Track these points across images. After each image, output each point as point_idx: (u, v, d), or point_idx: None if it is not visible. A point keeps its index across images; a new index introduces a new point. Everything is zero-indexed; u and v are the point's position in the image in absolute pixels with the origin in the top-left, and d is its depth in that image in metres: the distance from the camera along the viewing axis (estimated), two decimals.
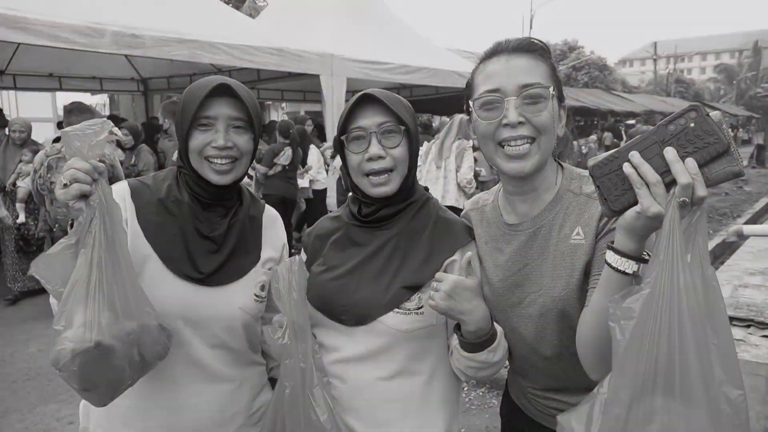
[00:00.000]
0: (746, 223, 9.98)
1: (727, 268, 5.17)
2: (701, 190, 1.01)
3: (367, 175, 1.51)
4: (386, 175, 1.51)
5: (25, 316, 5.95)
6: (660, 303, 1.01)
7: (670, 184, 1.03)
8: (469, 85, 1.48)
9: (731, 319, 3.80)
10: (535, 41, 1.42)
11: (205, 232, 1.56)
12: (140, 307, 1.35)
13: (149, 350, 1.36)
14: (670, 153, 1.03)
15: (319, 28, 8.84)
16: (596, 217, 1.36)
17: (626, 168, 1.06)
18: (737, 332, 3.65)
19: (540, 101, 1.35)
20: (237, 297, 1.58)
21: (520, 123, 1.34)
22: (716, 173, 1.04)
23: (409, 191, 1.59)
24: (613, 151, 1.11)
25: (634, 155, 1.06)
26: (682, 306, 1.00)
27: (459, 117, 6.32)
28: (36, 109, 20.87)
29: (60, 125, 10.01)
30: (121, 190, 1.56)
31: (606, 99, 26.03)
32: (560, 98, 1.42)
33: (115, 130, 1.39)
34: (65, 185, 1.27)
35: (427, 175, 6.19)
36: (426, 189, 1.69)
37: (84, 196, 1.28)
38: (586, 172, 1.48)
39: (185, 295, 1.52)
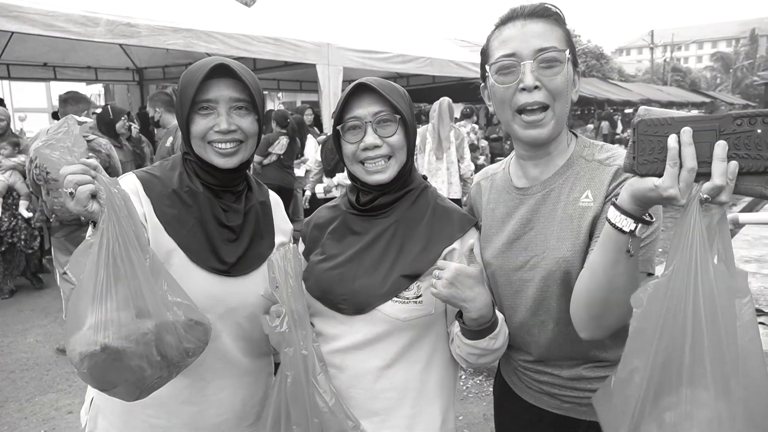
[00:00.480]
0: (742, 211, 10.01)
1: None
2: (726, 196, 0.99)
3: (362, 162, 1.52)
4: (383, 162, 1.51)
5: (22, 307, 5.96)
6: (674, 295, 1.02)
7: (701, 174, 1.00)
8: (485, 52, 1.49)
9: None
10: (550, 6, 1.43)
11: (223, 221, 1.53)
12: (159, 304, 1.27)
13: (173, 348, 1.28)
14: (720, 148, 0.99)
15: (316, 17, 8.78)
16: (607, 182, 1.38)
17: (671, 140, 1.02)
18: None
19: (555, 65, 1.37)
20: (259, 285, 1.55)
21: (536, 88, 1.35)
22: (746, 186, 1.01)
23: (407, 179, 1.59)
24: (669, 115, 1.05)
25: (686, 132, 1.01)
26: (698, 300, 1.00)
27: (446, 101, 6.20)
28: (30, 100, 20.72)
29: (55, 115, 9.93)
30: (130, 183, 1.51)
31: (603, 88, 25.96)
32: (575, 63, 1.44)
33: (80, 118, 1.35)
34: (71, 194, 1.21)
35: (428, 166, 6.10)
36: (424, 177, 1.69)
37: (93, 196, 1.23)
38: (600, 142, 1.51)
39: (212, 287, 1.49)
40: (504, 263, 1.51)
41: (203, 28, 6.23)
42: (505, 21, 1.45)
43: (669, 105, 30.36)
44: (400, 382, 1.51)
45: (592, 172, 1.42)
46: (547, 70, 1.36)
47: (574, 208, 1.41)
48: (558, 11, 1.43)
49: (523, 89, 1.36)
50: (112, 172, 4.61)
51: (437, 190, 1.70)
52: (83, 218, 1.28)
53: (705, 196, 0.99)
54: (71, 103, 4.74)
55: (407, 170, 1.58)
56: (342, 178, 5.93)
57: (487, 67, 1.45)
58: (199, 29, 6.17)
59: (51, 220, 4.57)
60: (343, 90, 7.85)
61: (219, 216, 1.53)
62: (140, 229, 1.31)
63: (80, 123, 1.31)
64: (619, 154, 1.42)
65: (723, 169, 0.98)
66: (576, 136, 1.52)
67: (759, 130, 0.98)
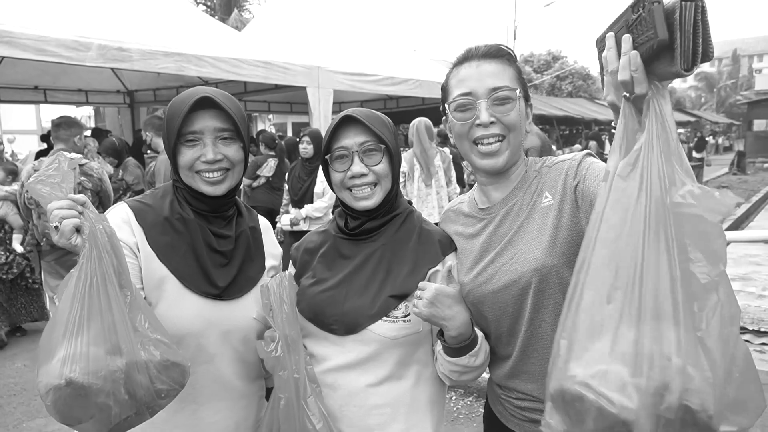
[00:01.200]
0: (727, 229, 10.12)
1: None
2: (639, 87, 1.01)
3: (350, 189, 1.59)
4: (369, 189, 1.58)
5: (11, 330, 5.89)
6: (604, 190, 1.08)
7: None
8: (444, 89, 1.59)
9: None
10: (502, 47, 1.54)
11: (214, 246, 1.57)
12: (132, 342, 1.27)
13: (143, 389, 1.27)
14: (624, 42, 1.02)
15: (306, 41, 8.89)
16: (561, 179, 1.47)
17: (605, 52, 1.07)
18: None
19: (508, 102, 1.47)
20: (251, 308, 1.59)
21: (492, 123, 1.46)
22: (660, 71, 0.99)
23: (393, 204, 1.66)
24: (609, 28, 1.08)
25: (608, 38, 1.05)
26: (611, 197, 1.05)
27: (423, 123, 5.90)
28: (20, 122, 20.74)
29: (44, 138, 9.94)
30: (122, 213, 1.55)
31: (590, 108, 26.35)
32: (526, 98, 1.54)
33: (71, 155, 1.39)
34: (56, 227, 1.25)
35: (418, 193, 5.89)
36: (410, 202, 1.75)
37: (78, 230, 1.27)
38: (547, 157, 1.62)
39: (205, 311, 1.53)
40: (478, 280, 1.56)
41: (194, 52, 6.29)
42: (461, 61, 1.55)
43: None
44: (391, 398, 1.56)
45: (543, 176, 1.53)
46: (500, 107, 1.47)
47: (538, 212, 1.49)
48: (510, 52, 1.54)
49: (479, 125, 1.47)
50: (103, 195, 4.63)
51: (429, 216, 1.76)
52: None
53: (624, 93, 1.03)
54: (64, 127, 4.75)
55: (392, 196, 1.65)
56: (311, 209, 5.55)
57: (446, 105, 1.55)
58: (190, 53, 6.23)
59: (42, 243, 4.56)
60: (333, 112, 7.91)
61: (210, 242, 1.57)
62: (123, 266, 1.33)
63: (71, 159, 1.36)
64: (561, 158, 1.54)
65: (625, 62, 1.01)
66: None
67: (644, 13, 0.97)
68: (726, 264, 0.96)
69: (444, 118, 1.60)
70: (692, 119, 38.20)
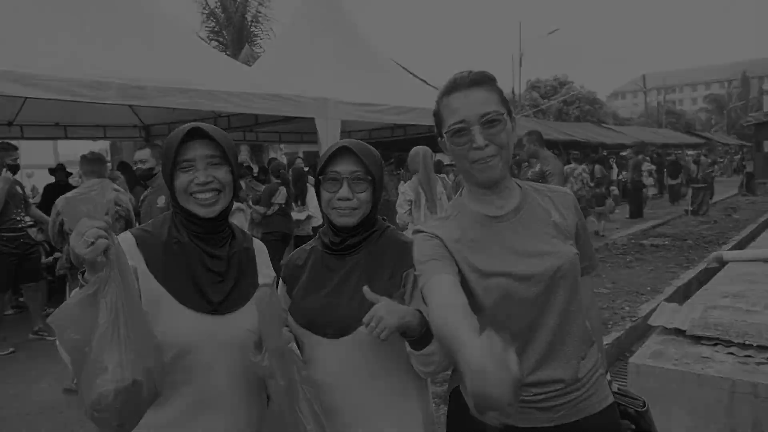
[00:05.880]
0: (732, 249, 10.18)
1: (703, 291, 5.39)
2: None
3: (335, 208, 1.84)
4: (349, 211, 1.83)
5: (35, 355, 6.17)
6: None
7: None
8: (438, 115, 1.75)
9: (699, 338, 4.01)
10: (486, 73, 1.71)
11: (209, 265, 1.72)
12: (153, 346, 1.46)
13: (160, 384, 1.48)
14: None
15: (314, 73, 9.12)
16: (568, 208, 1.80)
17: None
18: (705, 350, 3.87)
19: (497, 124, 1.64)
20: (245, 320, 1.70)
21: (486, 145, 1.64)
22: None
23: (371, 223, 1.91)
24: None
25: None
26: None
27: (428, 152, 5.95)
28: (38, 157, 21.24)
29: (52, 171, 10.21)
30: (126, 241, 1.69)
31: (597, 132, 26.47)
32: (509, 113, 1.73)
33: (116, 186, 1.59)
34: (91, 243, 1.35)
35: (425, 219, 5.86)
36: (384, 219, 2.00)
37: (105, 250, 1.38)
38: (535, 184, 1.90)
39: (200, 325, 1.67)
40: (510, 282, 1.67)
41: (207, 88, 6.51)
42: (450, 90, 1.69)
43: (664, 146, 30.91)
44: (384, 390, 1.80)
45: (544, 196, 1.81)
46: (491, 129, 1.63)
47: (550, 225, 1.76)
48: (492, 77, 1.73)
49: (476, 148, 1.64)
50: (129, 224, 4.98)
51: None
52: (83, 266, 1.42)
53: None
54: (98, 163, 5.06)
55: (371, 218, 1.90)
56: None
57: (443, 131, 1.72)
58: (203, 89, 6.46)
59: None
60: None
61: (205, 262, 1.72)
62: (134, 283, 1.51)
63: (115, 189, 1.58)
64: (554, 187, 1.84)
65: None
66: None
67: None
68: None
69: (440, 139, 1.77)
70: (701, 141, 38.19)
